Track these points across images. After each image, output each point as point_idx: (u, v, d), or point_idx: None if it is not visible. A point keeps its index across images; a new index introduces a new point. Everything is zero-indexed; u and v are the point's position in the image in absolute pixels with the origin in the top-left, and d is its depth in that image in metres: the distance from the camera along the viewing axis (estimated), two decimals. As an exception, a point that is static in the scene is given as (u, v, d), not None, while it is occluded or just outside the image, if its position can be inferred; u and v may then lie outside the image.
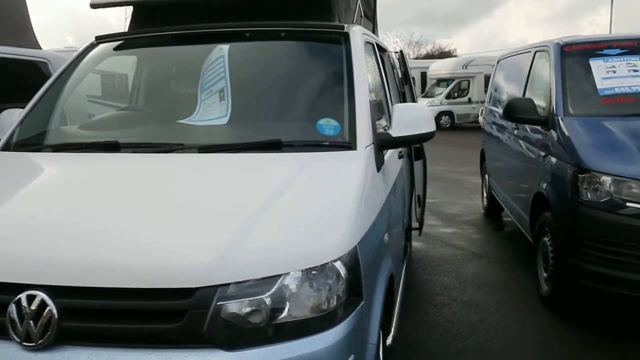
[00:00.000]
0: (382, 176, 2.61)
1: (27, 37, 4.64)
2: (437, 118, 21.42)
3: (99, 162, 2.40)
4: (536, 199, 4.32)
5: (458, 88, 21.71)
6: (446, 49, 41.03)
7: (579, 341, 3.66)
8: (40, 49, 5.22)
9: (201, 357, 1.64)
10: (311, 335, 1.76)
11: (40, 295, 1.68)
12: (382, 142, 2.59)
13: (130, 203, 1.99)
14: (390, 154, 3.04)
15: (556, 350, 3.57)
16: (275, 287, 1.74)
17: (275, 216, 1.92)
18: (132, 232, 1.83)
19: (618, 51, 4.31)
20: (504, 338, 3.72)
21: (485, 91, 9.62)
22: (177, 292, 1.67)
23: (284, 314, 1.74)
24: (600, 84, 4.18)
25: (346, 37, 2.84)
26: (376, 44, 3.74)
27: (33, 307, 1.67)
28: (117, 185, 2.13)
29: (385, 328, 2.80)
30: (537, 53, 5.03)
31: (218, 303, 1.67)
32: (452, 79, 22.06)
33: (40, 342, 1.66)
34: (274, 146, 2.34)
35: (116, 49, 3.18)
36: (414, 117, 2.69)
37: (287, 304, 1.75)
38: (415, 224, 4.84)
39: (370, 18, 5.10)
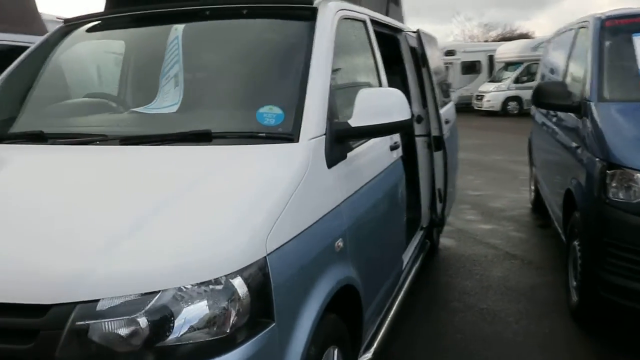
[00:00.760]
0: (342, 172, 2.27)
1: (36, 24, 4.61)
2: (504, 104, 20.31)
3: (14, 153, 2.21)
4: (567, 197, 3.78)
5: (527, 72, 20.31)
6: (522, 31, 38.74)
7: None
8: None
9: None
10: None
11: None
12: (340, 134, 2.24)
13: (8, 203, 1.79)
14: (370, 146, 2.68)
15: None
16: (151, 305, 1.47)
17: (165, 222, 1.64)
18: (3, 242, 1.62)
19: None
20: (515, 356, 3.28)
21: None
22: (30, 308, 1.44)
23: (164, 337, 1.47)
24: (643, 64, 3.56)
25: (313, 13, 2.50)
26: (377, 22, 3.36)
27: None
28: (9, 182, 1.93)
29: (356, 343, 2.52)
30: (579, 30, 4.42)
31: (77, 323, 1.43)
32: (521, 62, 20.76)
33: None
34: (203, 138, 2.06)
35: (89, 31, 3.01)
36: (383, 103, 2.32)
37: (168, 325, 1.48)
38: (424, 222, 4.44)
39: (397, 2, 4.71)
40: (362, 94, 2.31)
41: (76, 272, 1.47)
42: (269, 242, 1.68)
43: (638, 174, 2.96)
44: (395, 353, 3.28)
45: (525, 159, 7.04)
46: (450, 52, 22.28)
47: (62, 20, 3.11)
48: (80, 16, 2.96)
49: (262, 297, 1.64)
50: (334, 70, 2.47)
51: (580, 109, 3.61)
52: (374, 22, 3.28)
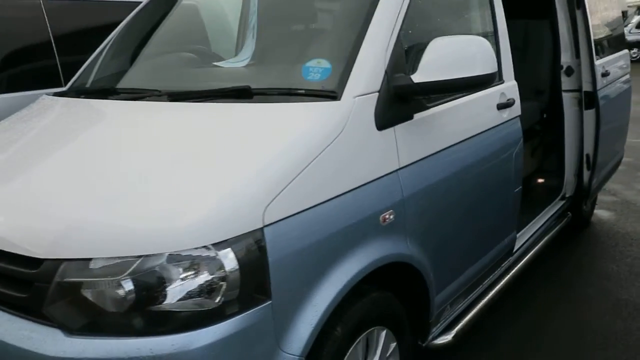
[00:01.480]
0: (404, 135, 1.98)
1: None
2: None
3: (72, 106, 2.31)
4: None
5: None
6: None
7: None
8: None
9: (35, 334, 1.47)
10: (173, 334, 1.43)
11: None
12: (400, 91, 1.94)
13: (39, 158, 1.88)
14: (458, 105, 2.31)
15: None
16: (133, 269, 1.44)
17: (164, 183, 1.59)
18: (13, 190, 1.72)
19: None
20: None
21: None
22: (28, 260, 1.51)
23: (150, 301, 1.44)
24: None
25: None
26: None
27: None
28: (53, 136, 2.03)
29: (421, 327, 2.28)
30: None
31: (64, 279, 1.46)
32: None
33: None
34: (243, 94, 1.94)
35: None
36: (458, 55, 1.96)
37: (154, 290, 1.44)
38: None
39: None
40: (434, 44, 1.96)
41: (67, 229, 1.50)
42: (268, 212, 1.53)
43: None
44: (480, 340, 2.93)
45: None
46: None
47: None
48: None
49: (256, 272, 1.51)
50: (414, 17, 2.14)
51: None
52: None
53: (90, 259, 1.46)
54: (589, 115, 3.68)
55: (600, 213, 4.66)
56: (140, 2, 2.90)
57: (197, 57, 2.73)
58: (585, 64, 3.65)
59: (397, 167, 1.98)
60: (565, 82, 3.76)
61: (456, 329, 2.53)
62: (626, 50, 4.59)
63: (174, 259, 1.45)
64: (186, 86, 2.21)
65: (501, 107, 2.64)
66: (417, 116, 2.07)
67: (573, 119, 3.78)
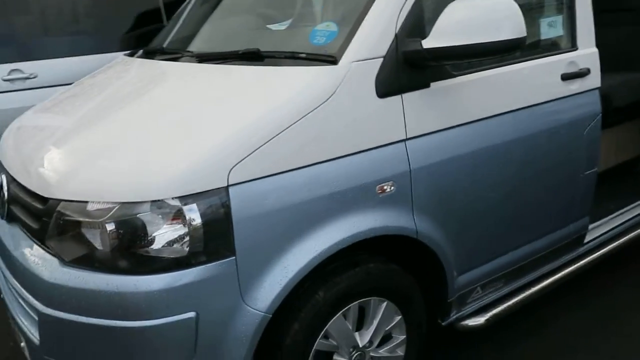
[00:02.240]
0: (414, 103, 1.88)
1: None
2: None
3: (120, 64, 2.53)
4: None
5: None
6: None
7: None
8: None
9: (40, 260, 1.72)
10: (138, 275, 1.59)
11: (2, 178, 2.05)
12: (409, 56, 1.84)
13: (73, 114, 2.13)
14: (500, 74, 2.12)
15: None
16: (111, 215, 1.60)
17: (151, 140, 1.74)
18: (53, 142, 1.97)
19: None
20: None
21: None
22: (40, 198, 1.76)
23: (119, 245, 1.59)
24: None
25: None
26: None
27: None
28: (105, 95, 2.25)
29: (442, 305, 2.20)
30: None
31: (62, 218, 1.67)
32: None
33: (2, 213, 2.05)
34: (254, 57, 1.98)
35: None
36: (479, 18, 1.79)
37: (123, 236, 1.59)
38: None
39: None
40: (451, 7, 1.82)
41: (67, 174, 1.73)
42: (234, 173, 1.59)
43: None
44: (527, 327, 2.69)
45: None
46: None
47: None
48: None
49: (220, 228, 1.60)
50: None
51: None
52: None
53: (85, 202, 1.66)
54: None
55: None
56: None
57: (261, 20, 2.83)
58: None
59: (404, 138, 1.90)
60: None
61: (492, 312, 2.39)
62: None
63: (149, 208, 1.59)
64: (230, 47, 2.31)
65: (569, 77, 2.36)
66: (436, 85, 1.96)
67: None
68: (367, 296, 1.95)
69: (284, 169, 1.68)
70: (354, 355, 1.99)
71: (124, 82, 2.41)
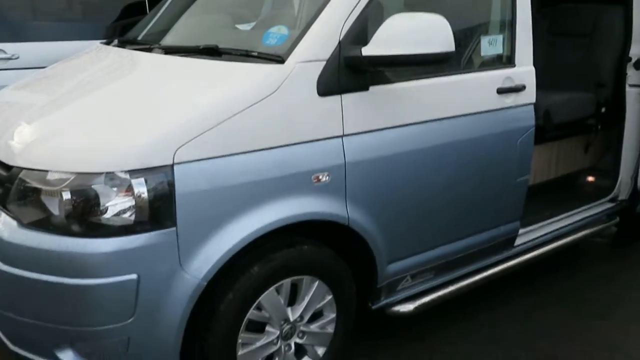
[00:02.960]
0: (352, 104, 2.09)
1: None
2: None
3: (100, 51, 2.72)
4: None
5: None
6: None
7: None
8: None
9: (2, 222, 1.90)
10: (87, 238, 1.78)
11: None
12: (350, 62, 2.05)
13: (44, 93, 2.33)
14: (435, 84, 2.35)
15: None
16: (67, 184, 1.79)
17: (110, 118, 1.94)
18: (22, 117, 2.15)
19: None
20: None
21: None
22: (5, 166, 1.94)
23: (73, 212, 1.78)
24: None
25: None
26: None
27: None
28: (74, 73, 2.45)
29: (372, 290, 2.41)
30: None
31: (23, 185, 1.85)
32: None
33: None
34: (213, 52, 2.18)
35: None
36: (415, 31, 2.02)
37: (77, 203, 1.78)
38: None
39: None
40: (392, 19, 2.04)
41: (28, 146, 1.93)
42: (179, 153, 1.80)
43: None
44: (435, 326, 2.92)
45: None
46: None
47: None
48: None
49: (163, 201, 1.79)
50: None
51: None
52: None
53: (45, 171, 1.85)
54: None
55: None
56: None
57: (231, 19, 3.02)
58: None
59: (341, 134, 2.11)
60: (633, 76, 3.45)
61: (421, 301, 2.61)
62: None
63: (102, 180, 1.78)
64: (196, 43, 2.49)
65: (504, 91, 2.59)
66: (375, 89, 2.17)
67: (636, 117, 3.47)
68: (300, 274, 2.15)
69: (226, 153, 1.88)
70: (285, 328, 2.19)
71: (96, 67, 2.60)
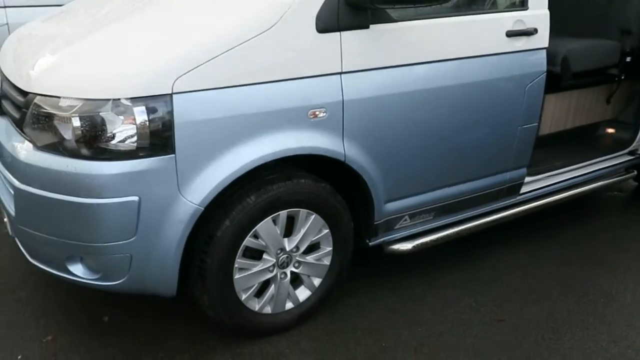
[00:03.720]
0: (352, 42, 2.12)
1: None
2: None
3: None
4: None
5: None
6: None
7: None
8: None
9: (19, 144, 2.05)
10: (93, 160, 1.91)
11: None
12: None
13: (64, 26, 2.44)
14: (435, 24, 2.34)
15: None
16: (76, 110, 1.91)
17: (114, 48, 2.04)
18: (40, 48, 2.28)
19: None
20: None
21: None
22: (22, 92, 2.07)
23: (82, 136, 1.90)
24: None
25: None
26: None
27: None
28: (94, 10, 2.54)
29: (369, 226, 2.50)
30: None
31: (37, 110, 1.98)
32: None
33: None
34: None
35: None
36: None
37: (85, 129, 1.89)
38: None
39: None
40: None
41: (42, 73, 2.04)
42: (178, 83, 1.88)
43: None
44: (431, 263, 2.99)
45: None
46: None
47: None
48: None
49: (163, 128, 1.90)
50: None
51: None
52: None
53: (58, 97, 1.97)
54: None
55: None
56: None
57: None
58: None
59: (339, 71, 2.15)
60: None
61: (420, 241, 2.69)
62: None
63: (108, 107, 1.88)
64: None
65: (514, 34, 2.56)
66: (376, 27, 2.19)
67: None
68: (296, 207, 2.25)
69: (224, 85, 1.96)
70: (281, 257, 2.31)
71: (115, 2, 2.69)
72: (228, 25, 2.01)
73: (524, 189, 2.99)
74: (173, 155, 1.94)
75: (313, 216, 2.32)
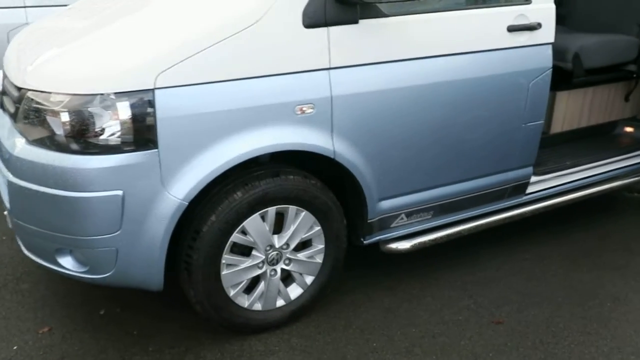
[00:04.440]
0: (340, 37, 2.10)
1: None
2: None
3: None
4: None
5: None
6: None
7: None
8: None
9: (14, 139, 2.10)
10: (81, 155, 1.93)
11: (1, 74, 2.44)
12: None
13: (63, 25, 2.49)
14: (430, 19, 2.30)
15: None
16: (64, 104, 1.94)
17: (102, 44, 2.08)
18: (34, 45, 2.34)
19: None
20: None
21: None
22: (17, 87, 2.12)
23: (70, 131, 1.93)
24: None
25: None
26: None
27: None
28: (94, 8, 2.58)
29: (363, 224, 2.47)
30: None
31: (29, 104, 2.03)
32: None
33: None
34: None
35: None
36: None
37: (73, 123, 1.92)
38: None
39: None
40: None
41: (35, 69, 2.07)
42: (161, 78, 1.90)
43: None
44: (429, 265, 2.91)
45: None
46: None
47: None
48: None
49: (145, 123, 1.92)
50: None
51: None
52: None
53: (49, 92, 2.01)
54: None
55: None
56: None
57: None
58: None
59: (327, 67, 2.13)
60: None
61: (418, 241, 2.64)
62: None
63: (96, 102, 1.91)
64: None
65: (515, 29, 2.48)
66: (366, 22, 2.16)
67: None
68: (285, 203, 2.24)
69: (208, 80, 1.96)
70: (271, 254, 2.30)
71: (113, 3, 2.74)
72: (212, 20, 2.02)
73: (530, 189, 2.90)
74: (156, 150, 1.95)
75: (303, 213, 2.30)
